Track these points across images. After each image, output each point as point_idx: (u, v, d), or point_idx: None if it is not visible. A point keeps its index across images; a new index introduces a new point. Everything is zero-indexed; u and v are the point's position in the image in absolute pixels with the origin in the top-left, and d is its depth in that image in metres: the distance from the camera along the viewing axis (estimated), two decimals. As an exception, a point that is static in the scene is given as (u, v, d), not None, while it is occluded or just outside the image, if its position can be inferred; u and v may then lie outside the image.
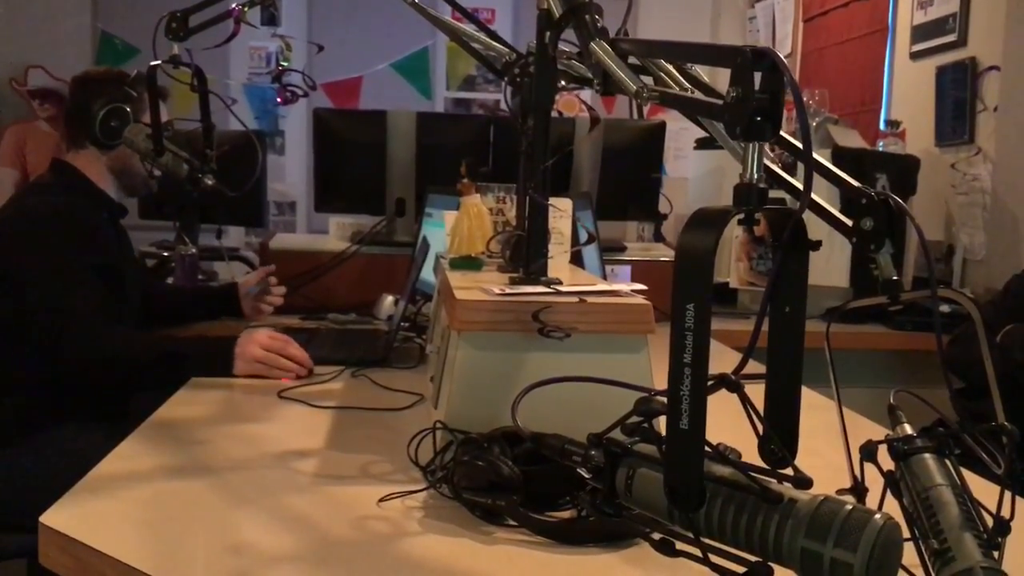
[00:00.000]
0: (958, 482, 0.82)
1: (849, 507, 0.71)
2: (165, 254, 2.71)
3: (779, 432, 0.83)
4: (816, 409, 1.16)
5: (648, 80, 1.04)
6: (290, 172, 5.74)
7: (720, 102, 0.79)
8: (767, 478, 0.76)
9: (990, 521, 0.79)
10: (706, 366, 0.72)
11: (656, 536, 0.81)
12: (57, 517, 1.08)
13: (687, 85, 1.03)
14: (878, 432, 0.99)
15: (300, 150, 5.60)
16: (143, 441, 1.40)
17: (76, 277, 1.89)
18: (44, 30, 5.17)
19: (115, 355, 1.85)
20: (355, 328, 2.30)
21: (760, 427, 0.82)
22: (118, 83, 2.06)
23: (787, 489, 0.75)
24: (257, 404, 1.67)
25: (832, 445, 0.96)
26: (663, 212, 3.04)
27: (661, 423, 0.77)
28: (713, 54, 0.96)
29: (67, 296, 1.86)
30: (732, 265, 2.90)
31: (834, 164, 0.93)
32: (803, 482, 0.76)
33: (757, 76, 0.77)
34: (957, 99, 3.39)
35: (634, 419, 0.83)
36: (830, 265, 2.71)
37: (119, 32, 5.33)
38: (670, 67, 1.06)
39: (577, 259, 2.01)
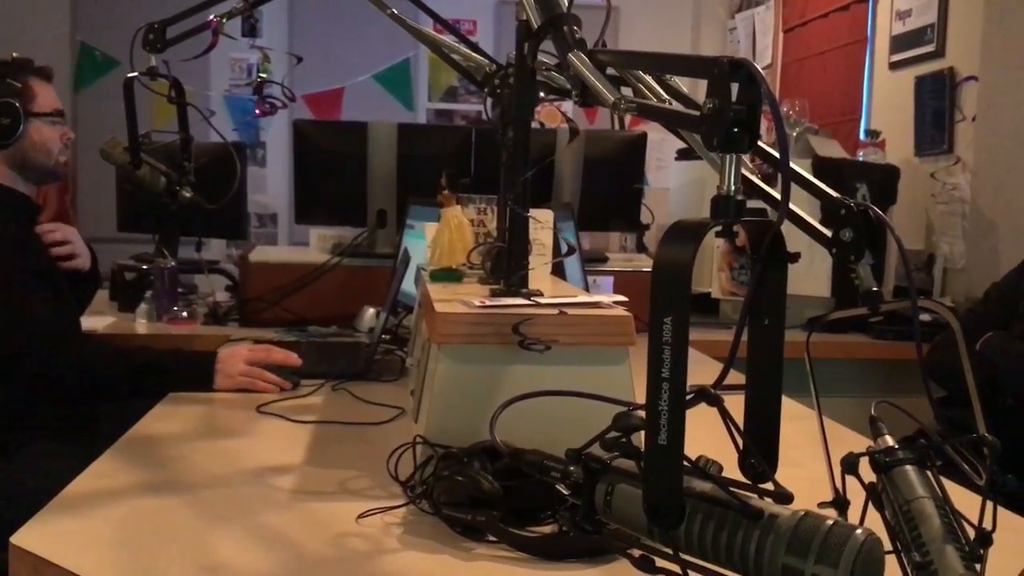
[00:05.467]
0: (940, 494, 0.82)
1: (830, 522, 0.70)
2: (144, 267, 2.68)
3: (760, 445, 0.83)
4: (797, 419, 1.16)
5: (627, 91, 1.03)
6: (271, 184, 5.71)
7: (697, 114, 0.79)
8: (747, 493, 0.76)
9: (972, 533, 0.78)
10: (684, 380, 0.72)
11: (636, 553, 0.80)
12: (28, 537, 1.05)
13: (665, 96, 1.02)
14: (860, 442, 0.99)
15: (281, 162, 5.57)
16: (118, 458, 1.38)
17: (22, 287, 1.83)
18: (22, 41, 5.10)
19: (87, 368, 1.81)
20: (336, 341, 2.28)
21: (740, 441, 0.81)
22: None
23: (768, 504, 0.74)
24: (235, 419, 1.65)
25: (813, 456, 0.96)
26: (645, 223, 3.04)
27: (641, 437, 0.77)
28: (690, 65, 0.96)
29: (20, 308, 1.80)
30: (714, 275, 2.90)
31: (814, 174, 0.93)
32: (784, 497, 0.75)
33: (735, 87, 0.77)
34: (936, 109, 3.42)
35: (613, 434, 0.82)
36: (811, 274, 2.72)
37: (98, 43, 5.30)
38: (649, 78, 1.06)
39: (559, 270, 2.01)
